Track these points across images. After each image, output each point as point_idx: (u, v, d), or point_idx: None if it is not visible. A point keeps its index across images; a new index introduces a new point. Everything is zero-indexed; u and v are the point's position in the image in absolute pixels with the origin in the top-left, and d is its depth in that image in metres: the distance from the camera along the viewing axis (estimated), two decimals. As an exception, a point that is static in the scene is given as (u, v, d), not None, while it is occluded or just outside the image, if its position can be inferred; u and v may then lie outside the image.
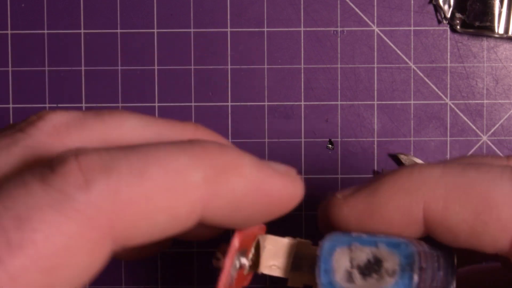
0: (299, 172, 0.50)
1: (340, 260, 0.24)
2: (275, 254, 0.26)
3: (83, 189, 0.21)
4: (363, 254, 0.24)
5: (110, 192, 0.21)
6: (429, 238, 0.26)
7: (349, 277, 0.24)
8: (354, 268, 0.24)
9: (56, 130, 0.24)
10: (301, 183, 0.24)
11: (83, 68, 0.50)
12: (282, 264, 0.26)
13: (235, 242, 0.24)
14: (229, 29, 0.50)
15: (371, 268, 0.24)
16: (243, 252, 0.25)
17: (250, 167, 0.23)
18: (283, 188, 0.23)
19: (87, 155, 0.21)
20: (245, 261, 0.25)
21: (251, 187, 0.23)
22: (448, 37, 0.49)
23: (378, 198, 0.25)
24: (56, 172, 0.21)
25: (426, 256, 0.25)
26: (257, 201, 0.23)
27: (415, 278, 0.23)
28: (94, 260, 0.21)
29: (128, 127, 0.24)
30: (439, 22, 0.49)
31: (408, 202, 0.25)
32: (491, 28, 0.49)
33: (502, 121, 0.49)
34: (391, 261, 0.24)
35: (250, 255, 0.26)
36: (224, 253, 0.24)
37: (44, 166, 0.21)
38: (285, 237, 0.27)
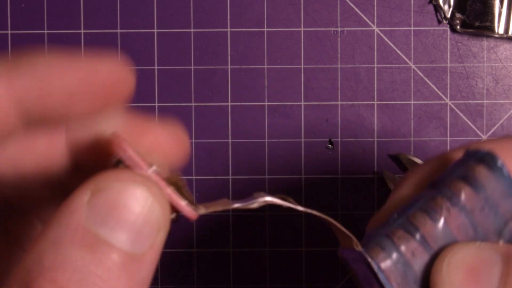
0: (299, 172, 0.50)
1: (394, 263, 0.24)
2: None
3: None
4: (405, 238, 0.25)
5: None
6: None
7: (406, 267, 0.24)
8: (406, 253, 0.24)
9: None
10: (129, 73, 0.23)
11: (83, 68, 0.50)
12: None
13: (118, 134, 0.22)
14: (229, 29, 0.50)
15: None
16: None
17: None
18: (105, 69, 0.22)
19: None
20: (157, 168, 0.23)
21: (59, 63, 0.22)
22: (448, 37, 0.49)
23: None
24: None
25: None
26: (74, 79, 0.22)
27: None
28: None
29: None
30: (439, 22, 0.49)
31: None
32: (491, 28, 0.49)
33: (502, 121, 0.49)
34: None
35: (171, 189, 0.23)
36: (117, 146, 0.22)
37: None
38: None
